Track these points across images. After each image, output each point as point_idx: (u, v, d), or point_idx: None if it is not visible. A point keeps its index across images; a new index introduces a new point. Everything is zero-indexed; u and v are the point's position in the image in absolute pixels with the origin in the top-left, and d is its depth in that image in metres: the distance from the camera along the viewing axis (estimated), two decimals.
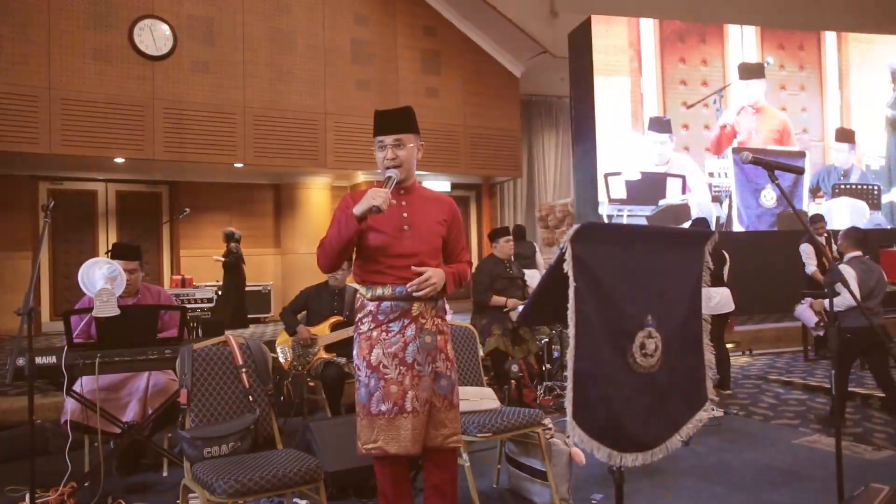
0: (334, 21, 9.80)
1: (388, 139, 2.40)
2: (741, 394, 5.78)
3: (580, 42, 9.39)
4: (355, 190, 2.52)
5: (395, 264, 2.36)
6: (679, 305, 1.73)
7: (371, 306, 2.37)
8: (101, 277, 3.17)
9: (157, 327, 3.88)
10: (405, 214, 2.39)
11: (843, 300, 4.44)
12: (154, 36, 8.53)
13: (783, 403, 5.37)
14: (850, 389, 5.53)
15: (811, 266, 6.95)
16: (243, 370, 2.80)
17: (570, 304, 1.49)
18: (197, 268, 10.46)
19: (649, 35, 9.29)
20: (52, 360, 3.15)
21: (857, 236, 4.82)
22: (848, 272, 4.49)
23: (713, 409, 4.91)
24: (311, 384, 4.90)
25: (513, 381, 5.26)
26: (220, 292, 9.99)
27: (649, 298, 1.64)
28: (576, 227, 1.48)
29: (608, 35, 9.16)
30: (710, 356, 1.82)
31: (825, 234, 7.36)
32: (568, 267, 1.49)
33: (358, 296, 2.44)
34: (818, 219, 7.34)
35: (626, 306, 1.59)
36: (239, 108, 9.05)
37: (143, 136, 8.45)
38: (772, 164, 2.50)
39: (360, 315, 2.42)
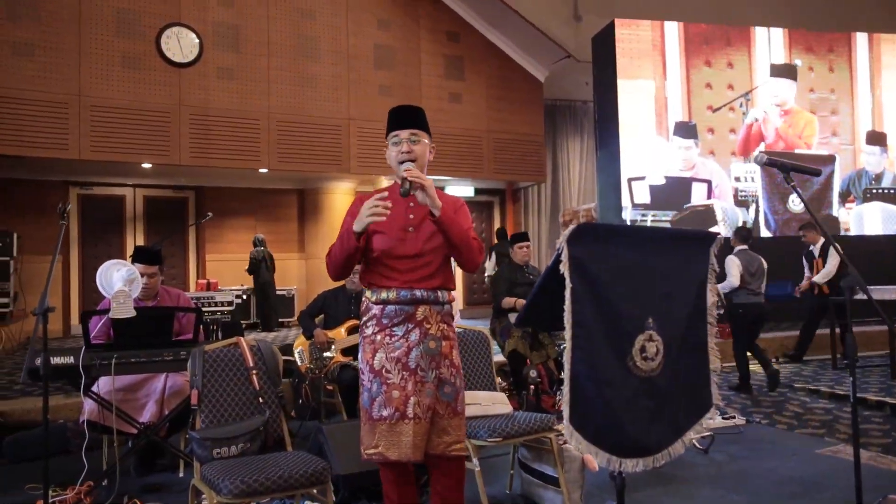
0: (357, 27, 9.87)
1: (404, 133, 2.37)
2: (765, 402, 5.66)
3: (604, 46, 9.33)
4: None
5: (399, 266, 2.33)
6: (682, 308, 1.69)
7: (375, 310, 2.35)
8: (118, 279, 3.22)
9: (175, 329, 3.95)
10: (411, 216, 2.37)
11: (728, 283, 6.02)
12: (181, 43, 8.68)
13: (808, 412, 5.25)
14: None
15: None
16: (254, 372, 2.81)
17: (567, 306, 1.46)
18: (222, 272, 10.60)
19: (674, 38, 9.19)
20: (70, 360, 3.21)
21: (743, 234, 6.41)
22: (734, 261, 6.05)
23: (734, 417, 4.83)
24: (329, 388, 4.92)
25: (531, 387, 5.22)
26: (243, 297, 10.16)
27: (650, 301, 1.60)
28: (572, 227, 1.45)
29: (632, 38, 9.08)
30: (716, 360, 1.77)
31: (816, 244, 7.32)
32: (564, 268, 1.47)
33: (363, 299, 2.42)
34: (809, 227, 7.30)
35: (626, 308, 1.55)
36: (263, 114, 9.15)
37: (169, 141, 8.59)
38: (787, 166, 2.44)
39: (364, 318, 2.40)
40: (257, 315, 10.02)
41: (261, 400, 2.79)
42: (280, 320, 10.33)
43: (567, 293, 1.47)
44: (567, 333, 1.48)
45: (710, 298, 1.76)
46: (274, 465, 2.47)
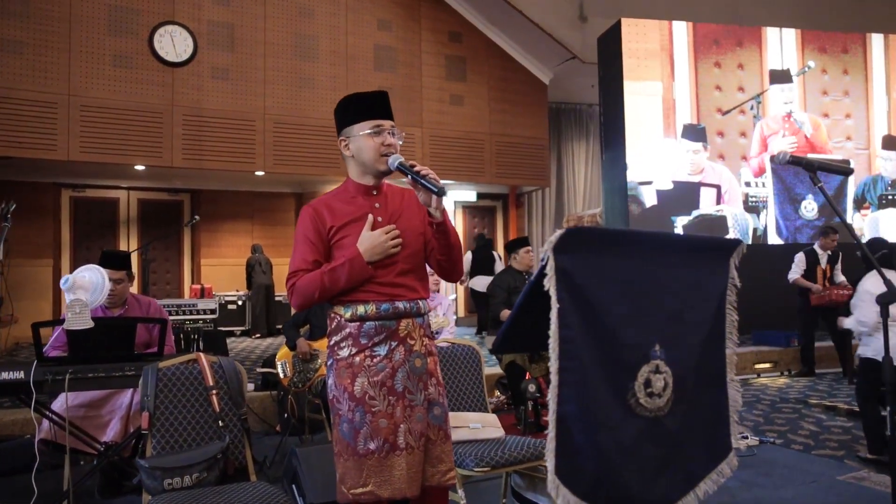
0: (357, 27, 9.61)
1: (387, 124, 2.09)
2: (779, 419, 5.34)
3: (610, 46, 9.04)
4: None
5: (377, 277, 2.03)
6: (696, 331, 1.38)
7: (351, 328, 2.03)
8: (67, 289, 2.94)
9: (146, 340, 3.68)
10: (380, 218, 2.08)
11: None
12: (174, 42, 8.43)
13: (825, 431, 4.93)
14: None
15: (795, 273, 6.97)
16: (214, 392, 2.53)
17: (552, 331, 1.17)
18: (217, 277, 10.35)
19: (682, 38, 8.89)
20: (20, 375, 2.93)
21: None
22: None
23: (747, 436, 4.52)
24: (316, 401, 4.64)
25: (530, 402, 4.92)
26: (238, 302, 9.91)
27: (658, 323, 1.30)
28: (559, 232, 1.16)
29: (639, 39, 8.79)
30: (735, 394, 1.47)
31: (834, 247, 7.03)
32: (549, 283, 1.17)
33: (332, 314, 2.09)
34: (829, 231, 7.00)
35: (627, 333, 1.25)
36: (259, 115, 8.90)
37: (161, 143, 8.34)
38: (814, 164, 2.15)
39: (336, 338, 2.07)
40: (253, 320, 9.76)
41: (221, 423, 2.50)
42: (278, 326, 10.07)
43: (553, 314, 1.17)
44: (553, 366, 1.18)
45: (731, 319, 1.47)
46: (231, 500, 2.19)
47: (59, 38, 7.93)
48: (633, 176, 8.60)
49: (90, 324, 2.95)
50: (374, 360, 2.01)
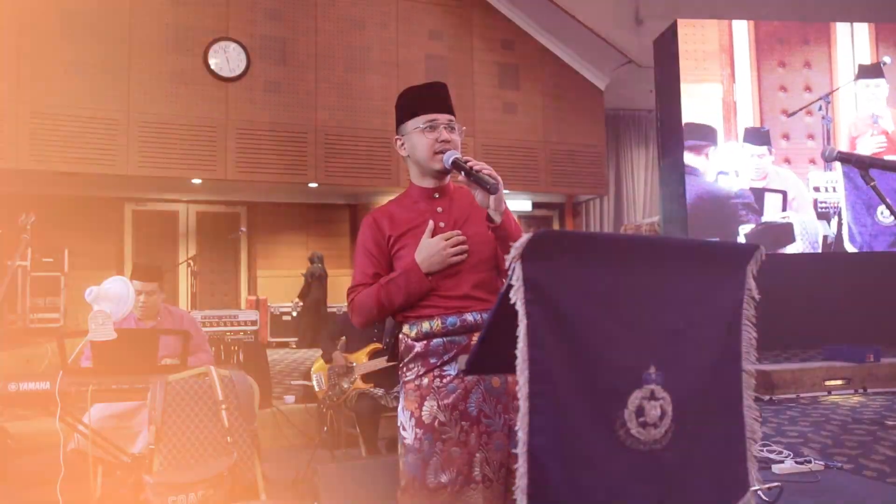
0: (408, 37, 9.62)
1: (443, 118, 1.88)
2: (849, 442, 4.93)
3: (666, 49, 8.73)
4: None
5: (441, 287, 1.84)
6: (703, 351, 1.18)
7: (419, 347, 1.83)
8: (91, 300, 2.95)
9: (178, 353, 3.68)
10: (442, 223, 1.88)
11: None
12: (228, 58, 8.61)
13: None
14: None
15: None
16: (223, 407, 2.46)
17: (520, 350, 1.00)
18: (273, 288, 10.49)
19: (743, 38, 8.49)
20: (46, 385, 2.94)
21: None
22: None
23: (810, 460, 4.17)
24: (351, 415, 4.56)
25: None
26: (293, 314, 10.01)
27: (652, 342, 1.10)
28: (526, 236, 1.00)
29: (696, 40, 8.45)
30: (753, 424, 1.27)
31: None
32: (516, 296, 1.01)
33: (401, 337, 1.90)
34: None
35: (614, 354, 1.06)
36: (311, 127, 8.98)
37: (215, 156, 8.52)
38: (865, 161, 1.91)
39: (406, 359, 1.88)
40: (304, 332, 9.82)
41: (229, 439, 2.42)
42: None
43: (521, 332, 1.01)
44: (521, 391, 1.02)
45: (748, 336, 1.27)
46: None
47: (119, 58, 8.21)
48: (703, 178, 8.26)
49: (113, 335, 2.94)
50: (444, 380, 1.80)
